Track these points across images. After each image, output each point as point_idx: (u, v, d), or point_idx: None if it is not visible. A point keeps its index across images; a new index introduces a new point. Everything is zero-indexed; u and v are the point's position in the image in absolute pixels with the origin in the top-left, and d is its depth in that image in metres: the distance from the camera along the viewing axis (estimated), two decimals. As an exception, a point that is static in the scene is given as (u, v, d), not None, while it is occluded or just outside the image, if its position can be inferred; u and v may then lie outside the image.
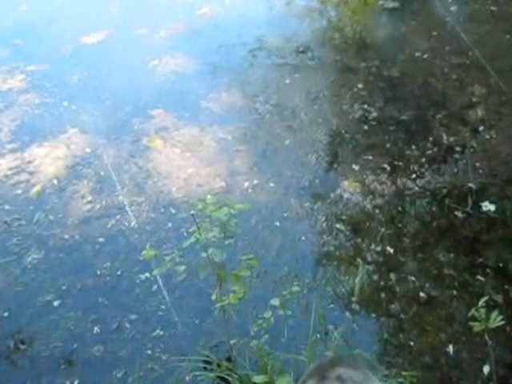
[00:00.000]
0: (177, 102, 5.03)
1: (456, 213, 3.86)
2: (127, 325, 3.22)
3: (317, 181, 4.16)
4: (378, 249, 3.62)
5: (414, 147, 4.39)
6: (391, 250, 3.61)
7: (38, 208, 4.00)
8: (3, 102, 5.05)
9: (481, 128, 4.53)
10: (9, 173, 4.29)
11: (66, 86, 5.27)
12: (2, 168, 4.33)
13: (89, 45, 5.88)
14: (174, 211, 3.93)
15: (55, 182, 4.21)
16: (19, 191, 4.14)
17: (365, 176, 4.16)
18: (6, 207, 4.01)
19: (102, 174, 4.28)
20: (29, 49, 5.81)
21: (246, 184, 4.14)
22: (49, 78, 5.36)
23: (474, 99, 4.82)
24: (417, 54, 5.46)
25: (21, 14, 6.50)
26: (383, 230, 3.75)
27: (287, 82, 5.27)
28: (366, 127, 4.63)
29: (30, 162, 4.38)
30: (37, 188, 4.15)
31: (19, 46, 5.87)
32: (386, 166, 4.24)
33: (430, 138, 4.46)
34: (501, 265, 3.50)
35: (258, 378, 2.39)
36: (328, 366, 0.52)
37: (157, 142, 4.55)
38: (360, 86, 5.12)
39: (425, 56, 5.43)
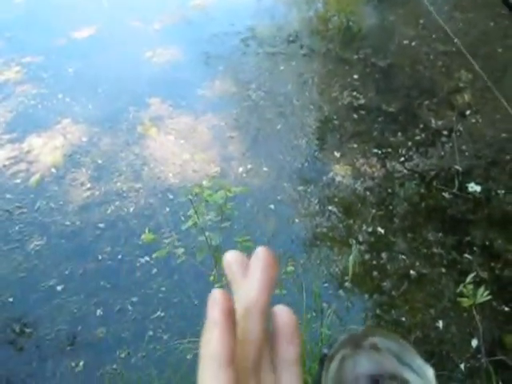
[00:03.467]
0: (171, 91, 5.02)
1: (443, 194, 3.89)
2: (129, 307, 3.24)
3: (309, 165, 4.18)
4: (370, 229, 3.65)
5: (402, 132, 4.41)
6: (382, 231, 3.65)
7: (38, 196, 4.00)
8: (0, 93, 5.03)
9: (467, 112, 4.56)
10: (8, 163, 4.28)
11: (61, 77, 5.25)
12: (1, 158, 4.32)
13: (83, 37, 5.85)
14: (171, 196, 3.95)
15: (54, 170, 4.21)
16: (19, 180, 4.13)
17: (355, 160, 4.19)
18: (8, 196, 4.00)
19: (100, 161, 4.28)
20: (24, 41, 5.77)
21: (240, 169, 4.16)
22: (44, 69, 5.33)
23: (461, 84, 4.85)
24: (405, 42, 5.47)
25: (15, 6, 6.45)
26: (374, 211, 3.78)
27: (279, 70, 5.27)
28: (355, 114, 4.65)
29: (28, 152, 4.37)
30: (36, 177, 4.14)
31: (14, 39, 5.83)
32: (375, 150, 4.27)
33: (419, 123, 4.49)
34: (487, 243, 3.54)
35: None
36: (362, 336, 0.51)
37: (151, 130, 4.55)
38: (350, 73, 5.13)
39: (413, 44, 5.44)
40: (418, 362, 0.49)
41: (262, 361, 0.43)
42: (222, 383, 0.39)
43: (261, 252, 0.45)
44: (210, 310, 0.41)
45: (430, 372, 0.48)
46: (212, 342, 0.40)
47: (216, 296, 0.41)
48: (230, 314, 0.41)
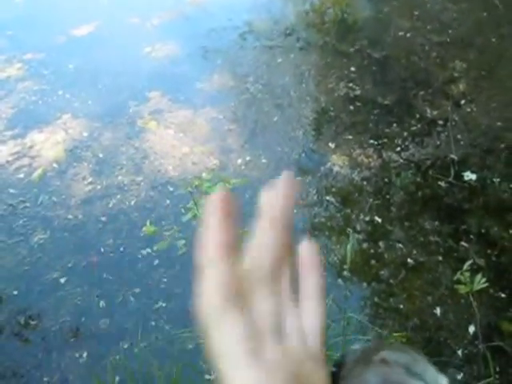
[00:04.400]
0: (170, 85, 4.99)
1: (439, 183, 3.87)
2: (131, 298, 3.23)
3: (306, 155, 4.16)
4: (367, 219, 3.63)
5: (398, 122, 4.39)
6: (379, 220, 3.63)
7: (41, 190, 3.98)
8: (2, 89, 4.99)
9: (462, 101, 4.53)
10: (11, 158, 4.26)
11: (61, 73, 5.21)
12: (4, 154, 4.30)
13: (83, 34, 5.80)
14: (171, 189, 3.92)
15: (56, 165, 4.18)
16: (22, 175, 4.11)
17: (352, 150, 4.17)
18: (11, 191, 3.98)
19: (101, 156, 4.25)
20: (24, 39, 5.72)
21: (239, 161, 4.14)
22: (45, 66, 5.29)
23: (456, 74, 4.81)
24: (400, 34, 5.43)
25: (15, 5, 6.40)
26: (371, 200, 3.76)
27: (276, 63, 5.23)
28: (351, 105, 4.62)
29: (30, 147, 4.34)
30: (38, 172, 4.12)
31: (15, 37, 5.78)
32: (372, 140, 4.24)
33: (414, 113, 4.46)
34: (483, 231, 3.53)
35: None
36: (373, 350, 0.50)
37: (151, 124, 4.53)
38: (346, 65, 5.09)
39: (408, 35, 5.40)
40: (430, 372, 0.48)
41: (280, 280, 0.40)
42: (221, 277, 0.37)
43: (284, 174, 0.44)
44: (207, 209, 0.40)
45: (443, 382, 0.47)
46: (210, 229, 0.39)
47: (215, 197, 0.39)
48: (229, 208, 0.40)
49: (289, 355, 0.38)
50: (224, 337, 0.36)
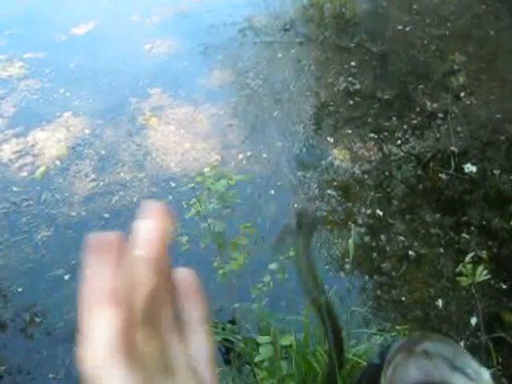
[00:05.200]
0: (170, 82, 4.96)
1: (440, 175, 3.85)
2: (135, 294, 3.21)
3: (307, 150, 4.13)
4: (369, 212, 3.61)
5: (398, 115, 4.36)
6: (381, 213, 3.61)
7: (44, 188, 3.95)
8: (4, 88, 4.96)
9: (462, 94, 4.49)
10: (13, 157, 4.23)
11: (62, 71, 5.18)
12: (6, 152, 4.28)
13: (83, 32, 5.77)
14: (173, 185, 3.90)
15: (58, 163, 4.16)
16: (25, 173, 4.09)
17: (353, 144, 4.14)
18: (14, 189, 3.96)
19: (103, 153, 4.23)
20: (25, 37, 5.68)
21: (241, 156, 4.11)
22: (46, 64, 5.26)
23: (455, 67, 4.78)
24: (399, 27, 5.39)
25: (15, 4, 6.37)
26: (372, 194, 3.74)
27: (276, 58, 5.20)
28: (351, 99, 4.59)
29: (32, 146, 4.32)
30: (41, 169, 4.10)
31: (16, 36, 5.75)
32: (372, 134, 4.21)
33: (414, 106, 4.43)
34: (484, 222, 3.51)
35: (261, 339, 2.38)
36: (416, 341, 0.49)
37: (152, 121, 4.50)
38: (345, 59, 5.06)
39: (406, 29, 5.36)
40: (473, 365, 0.47)
41: (161, 318, 0.38)
42: (109, 325, 0.34)
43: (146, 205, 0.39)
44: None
45: (486, 375, 0.46)
46: (92, 276, 0.35)
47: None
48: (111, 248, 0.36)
49: None
50: None
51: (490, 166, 3.88)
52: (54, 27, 5.82)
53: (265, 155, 4.11)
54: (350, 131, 4.26)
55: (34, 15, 6.06)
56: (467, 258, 2.64)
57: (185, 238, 2.60)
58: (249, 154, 4.12)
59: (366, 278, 3.24)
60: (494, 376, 0.44)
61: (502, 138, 4.09)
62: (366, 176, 3.87)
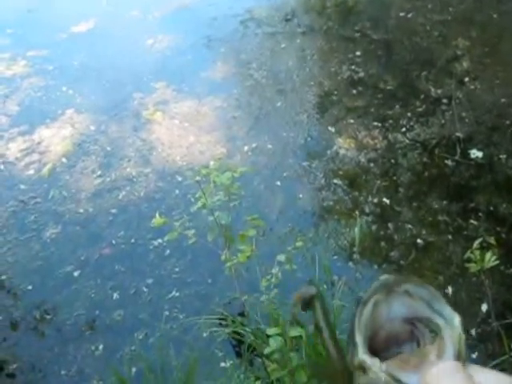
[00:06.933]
0: (174, 76, 4.90)
1: (446, 162, 3.78)
2: (144, 289, 3.18)
3: (312, 139, 4.08)
4: (375, 200, 3.56)
5: (403, 102, 4.29)
6: (387, 201, 3.55)
7: (51, 185, 3.92)
8: (9, 87, 4.93)
9: (466, 79, 4.42)
10: (20, 155, 4.20)
11: (66, 69, 5.14)
12: (13, 150, 4.24)
13: (85, 30, 5.72)
14: (179, 179, 3.86)
15: (64, 160, 4.12)
16: (32, 171, 4.05)
17: (358, 132, 4.08)
18: (22, 187, 3.93)
19: (109, 149, 4.19)
20: (27, 36, 5.64)
21: (246, 148, 4.06)
22: (49, 62, 5.22)
23: (459, 52, 4.69)
24: (401, 14, 5.30)
25: (14, 4, 6.32)
26: (378, 182, 3.68)
27: (278, 48, 5.13)
28: (354, 88, 4.52)
29: (39, 143, 4.28)
30: (48, 167, 4.06)
31: (17, 34, 5.70)
32: (376, 122, 4.15)
33: (418, 93, 4.35)
34: (491, 208, 3.44)
35: (270, 331, 2.35)
36: (395, 282, 0.50)
37: (157, 115, 4.45)
38: (349, 47, 4.99)
39: (409, 15, 5.27)
40: (447, 309, 0.49)
41: None
42: None
43: None
44: None
45: (457, 319, 0.48)
46: None
47: None
48: None
49: None
50: None
51: (496, 151, 3.81)
52: (56, 25, 5.77)
53: (270, 146, 4.06)
54: (354, 120, 4.19)
55: (36, 14, 6.01)
56: (475, 245, 2.59)
57: (192, 232, 2.56)
58: (254, 145, 4.07)
59: (375, 266, 3.19)
60: (462, 322, 0.47)
61: (508, 122, 4.02)
62: (371, 164, 3.81)
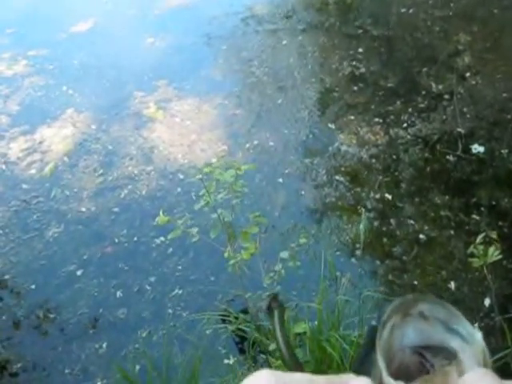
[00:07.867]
0: (174, 74, 4.90)
1: (447, 157, 3.78)
2: (147, 287, 3.18)
3: (314, 136, 4.07)
4: (377, 196, 3.55)
5: (404, 98, 4.28)
6: (389, 197, 3.55)
7: (53, 185, 3.92)
8: (10, 87, 4.92)
9: (467, 74, 4.41)
10: (22, 154, 4.20)
11: (66, 68, 5.13)
12: (15, 150, 4.24)
13: (85, 29, 5.71)
14: (182, 177, 3.86)
15: (66, 159, 4.12)
16: (33, 171, 4.05)
17: (359, 128, 4.07)
18: (24, 186, 3.93)
19: (110, 147, 4.19)
20: (27, 36, 5.63)
21: (247, 145, 4.06)
22: (50, 61, 5.21)
23: (460, 47, 4.69)
24: (402, 10, 5.29)
25: (14, 3, 6.32)
26: (380, 178, 3.68)
27: (280, 45, 5.12)
28: (356, 84, 4.51)
29: (40, 143, 4.28)
30: (50, 166, 4.06)
31: (18, 34, 5.70)
32: (378, 118, 4.14)
33: (420, 89, 4.35)
34: (493, 203, 3.44)
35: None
36: (411, 302, 0.48)
37: (158, 114, 4.45)
38: (349, 43, 4.98)
39: (410, 11, 5.26)
40: (466, 326, 0.46)
41: None
42: None
43: None
44: None
45: (478, 336, 0.45)
46: None
47: None
48: None
49: None
50: None
51: (498, 145, 3.80)
52: (57, 25, 5.77)
53: (271, 143, 4.06)
54: (355, 116, 4.19)
55: (36, 13, 6.01)
56: (478, 239, 2.58)
57: (195, 229, 2.56)
58: (255, 142, 4.07)
59: (378, 262, 3.19)
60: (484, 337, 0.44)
61: (509, 116, 4.01)
62: (373, 160, 3.81)
